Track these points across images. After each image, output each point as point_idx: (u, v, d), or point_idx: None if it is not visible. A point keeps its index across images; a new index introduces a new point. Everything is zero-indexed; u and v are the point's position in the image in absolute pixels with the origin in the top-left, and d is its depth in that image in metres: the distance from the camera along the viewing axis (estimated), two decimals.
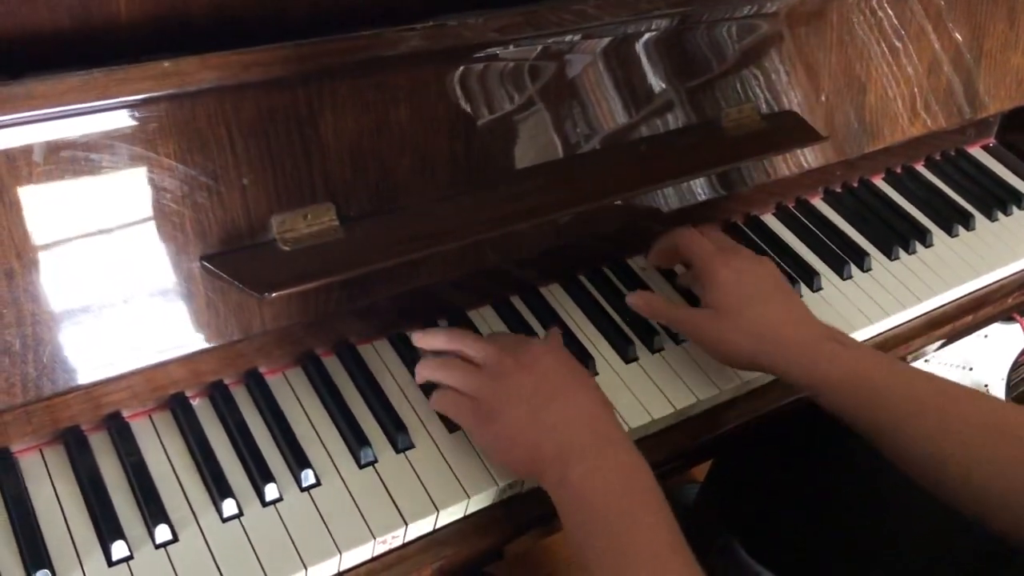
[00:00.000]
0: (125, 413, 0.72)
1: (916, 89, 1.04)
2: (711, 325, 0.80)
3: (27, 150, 0.60)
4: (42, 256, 0.62)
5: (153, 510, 0.66)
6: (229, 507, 0.67)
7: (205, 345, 0.68)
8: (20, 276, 0.61)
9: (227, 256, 0.67)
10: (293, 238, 0.69)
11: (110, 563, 0.64)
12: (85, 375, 0.64)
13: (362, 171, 0.72)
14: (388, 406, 0.76)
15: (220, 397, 0.74)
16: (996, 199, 1.13)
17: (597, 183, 0.82)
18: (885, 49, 1.00)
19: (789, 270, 0.96)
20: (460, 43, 0.73)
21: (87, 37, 0.63)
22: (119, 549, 0.64)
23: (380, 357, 0.81)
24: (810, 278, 0.96)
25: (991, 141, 1.23)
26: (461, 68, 0.75)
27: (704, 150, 0.88)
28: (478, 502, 0.72)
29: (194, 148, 0.65)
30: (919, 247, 1.03)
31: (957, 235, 1.07)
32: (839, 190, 1.10)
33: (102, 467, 0.69)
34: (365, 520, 0.69)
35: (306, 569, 0.65)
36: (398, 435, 0.74)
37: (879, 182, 1.13)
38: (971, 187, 1.14)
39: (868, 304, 0.95)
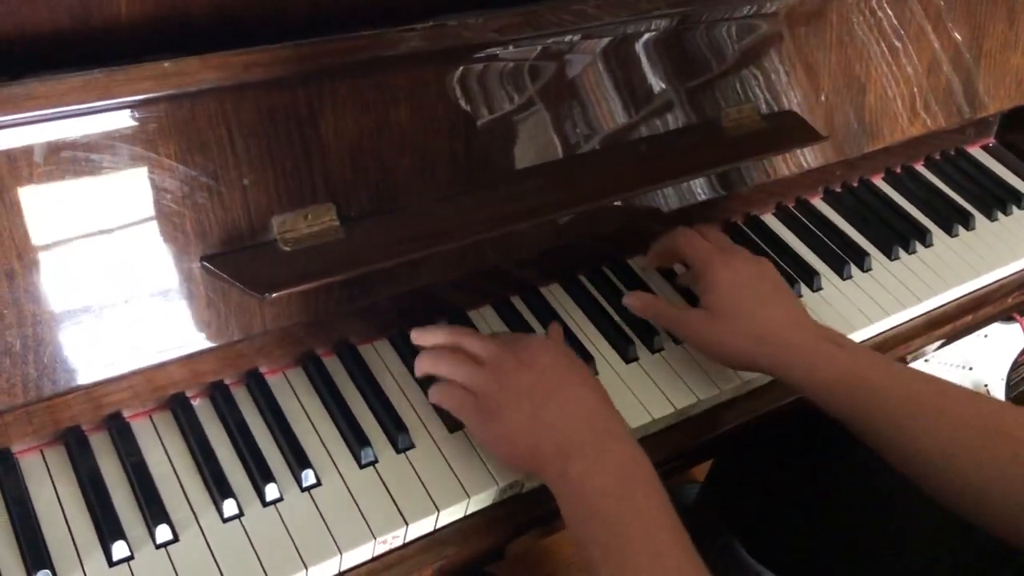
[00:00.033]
0: (126, 413, 0.72)
1: (916, 89, 1.04)
2: (708, 326, 0.80)
3: (28, 150, 0.60)
4: (43, 257, 0.62)
5: (154, 510, 0.66)
6: (230, 507, 0.67)
7: (205, 345, 0.68)
8: (21, 277, 0.61)
9: (228, 256, 0.67)
10: (294, 238, 0.69)
11: (111, 563, 0.64)
12: (86, 375, 0.65)
13: (362, 171, 0.72)
14: (388, 406, 0.76)
15: (221, 397, 0.74)
16: (996, 199, 1.13)
17: (597, 183, 0.82)
18: (885, 49, 1.00)
19: (789, 270, 0.96)
20: (460, 43, 0.73)
21: (87, 37, 0.63)
22: (120, 549, 0.64)
23: (380, 357, 0.81)
24: (810, 278, 0.96)
25: (991, 141, 1.23)
26: (461, 68, 0.75)
27: (704, 150, 0.88)
28: (478, 502, 0.72)
29: (194, 148, 0.65)
30: (919, 247, 1.03)
31: (957, 235, 1.07)
32: (839, 190, 1.10)
33: (103, 467, 0.69)
34: (366, 520, 0.69)
35: (307, 569, 0.65)
36: (398, 435, 0.74)
37: (879, 182, 1.13)
38: (971, 187, 1.14)
39: (868, 304, 0.95)
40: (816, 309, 0.93)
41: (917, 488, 0.72)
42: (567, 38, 0.79)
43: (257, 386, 0.76)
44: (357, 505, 0.70)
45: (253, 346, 0.75)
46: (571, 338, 0.85)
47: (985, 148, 1.22)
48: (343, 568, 0.68)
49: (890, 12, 0.99)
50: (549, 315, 0.87)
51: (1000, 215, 1.11)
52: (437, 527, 0.71)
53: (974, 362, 1.53)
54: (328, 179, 0.71)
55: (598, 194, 0.82)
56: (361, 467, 0.72)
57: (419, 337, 0.78)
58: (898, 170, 1.15)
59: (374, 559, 0.69)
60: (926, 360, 1.49)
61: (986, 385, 1.53)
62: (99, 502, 0.66)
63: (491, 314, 0.87)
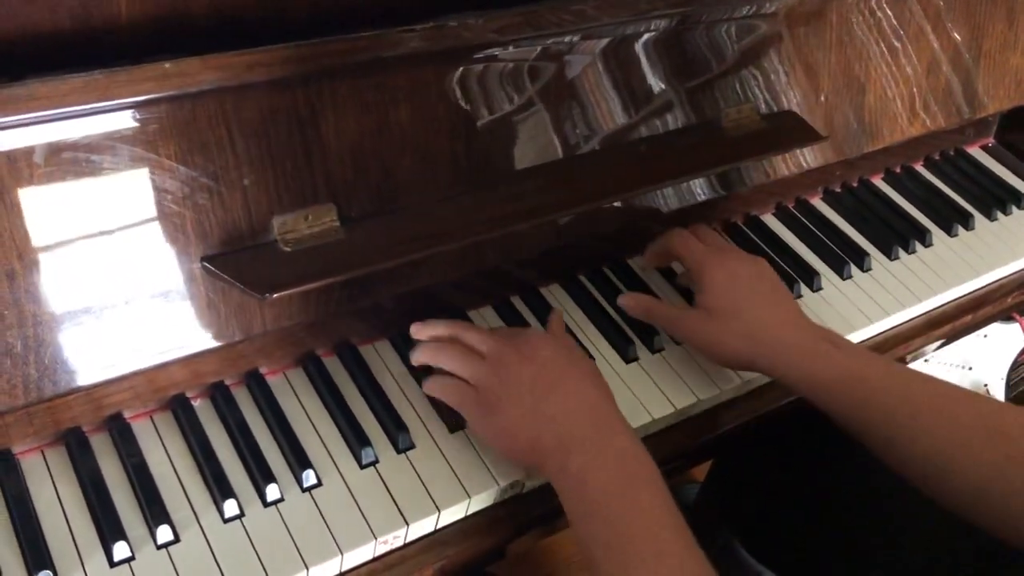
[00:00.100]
0: (126, 414, 0.72)
1: (915, 89, 1.04)
2: (704, 327, 0.80)
3: (28, 151, 0.60)
4: (43, 257, 0.62)
5: (155, 511, 0.66)
6: (230, 508, 0.67)
7: (206, 346, 0.69)
8: (22, 277, 0.61)
9: (228, 257, 0.67)
10: (294, 239, 0.69)
11: (112, 564, 0.64)
12: (86, 376, 0.65)
13: (363, 172, 0.72)
14: (389, 406, 0.76)
15: (221, 398, 0.74)
16: (995, 199, 1.13)
17: (597, 183, 0.82)
18: (884, 49, 1.00)
19: (789, 270, 0.96)
20: (460, 44, 0.73)
21: (88, 38, 0.63)
22: (121, 550, 0.64)
23: (381, 357, 0.81)
24: (810, 278, 0.96)
25: (990, 141, 1.24)
26: (461, 69, 0.75)
27: (704, 150, 0.88)
28: (479, 502, 0.72)
29: (195, 149, 0.65)
30: (919, 247, 1.03)
31: (956, 235, 1.07)
32: (839, 190, 1.10)
33: (104, 468, 0.69)
34: (366, 520, 0.69)
35: (307, 569, 0.66)
36: (399, 435, 0.74)
37: (878, 182, 1.13)
38: (970, 187, 1.14)
39: (868, 304, 0.95)
40: (816, 309, 0.93)
41: (916, 488, 0.72)
42: (567, 38, 0.79)
43: (258, 386, 0.76)
44: (358, 505, 0.70)
45: (254, 346, 0.75)
46: (571, 338, 0.84)
47: (984, 148, 1.22)
48: (344, 568, 0.68)
49: (889, 12, 0.99)
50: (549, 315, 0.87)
51: (999, 215, 1.11)
52: (438, 527, 0.71)
53: (974, 362, 1.54)
54: (329, 179, 0.71)
55: (598, 194, 0.82)
56: (362, 467, 0.72)
57: (419, 331, 0.78)
58: (898, 170, 1.15)
59: (375, 559, 0.69)
60: (926, 360, 1.49)
61: (986, 385, 1.53)
62: (100, 503, 0.66)
63: (491, 314, 0.87)
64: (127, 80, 0.60)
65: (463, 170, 0.77)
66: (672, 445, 0.81)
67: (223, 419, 0.74)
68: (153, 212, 0.65)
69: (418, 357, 0.76)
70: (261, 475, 0.69)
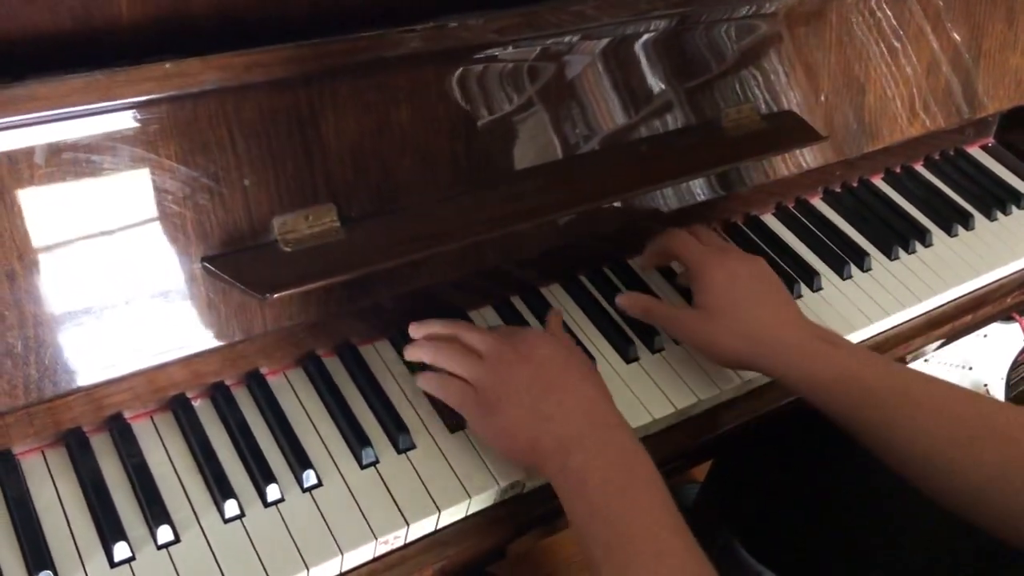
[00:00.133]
0: (127, 414, 0.72)
1: (915, 89, 1.04)
2: (702, 327, 0.80)
3: (29, 152, 0.60)
4: (44, 258, 0.62)
5: (155, 511, 0.66)
6: (231, 508, 0.67)
7: (206, 346, 0.69)
8: (22, 278, 0.61)
9: (228, 257, 0.67)
10: (295, 239, 0.69)
11: (112, 564, 0.64)
12: (87, 377, 0.65)
13: (363, 172, 0.72)
14: (389, 406, 0.76)
15: (221, 398, 0.75)
16: (995, 199, 1.13)
17: (597, 183, 0.82)
18: (884, 49, 1.00)
19: (789, 270, 0.96)
20: (460, 44, 0.73)
21: (89, 38, 0.63)
22: (121, 550, 0.64)
23: (381, 357, 0.81)
24: (810, 278, 0.96)
25: (990, 141, 1.24)
26: (461, 69, 0.75)
27: (703, 150, 0.88)
28: (479, 502, 0.72)
29: (196, 149, 0.65)
30: (919, 247, 1.03)
31: (956, 235, 1.07)
32: (839, 190, 1.10)
33: (104, 468, 0.69)
34: (367, 520, 0.69)
35: (308, 569, 0.66)
36: (399, 435, 0.74)
37: (878, 182, 1.13)
38: (970, 187, 1.14)
39: (868, 304, 0.95)
40: (816, 309, 0.93)
41: (916, 488, 0.72)
42: (567, 39, 0.79)
43: (258, 387, 0.76)
44: (358, 505, 0.70)
45: (254, 347, 0.75)
46: (571, 338, 0.84)
47: (984, 148, 1.22)
48: (344, 568, 0.68)
49: (889, 12, 0.99)
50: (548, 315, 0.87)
51: (999, 215, 1.11)
52: (438, 527, 0.71)
53: (974, 362, 1.54)
54: (329, 180, 0.71)
55: (598, 194, 0.82)
56: (362, 467, 0.72)
57: (417, 330, 0.78)
58: (898, 170, 1.15)
59: (375, 559, 0.69)
60: (926, 360, 1.49)
61: (986, 385, 1.53)
62: (100, 503, 0.66)
63: (491, 314, 0.87)
64: (128, 80, 0.60)
65: (463, 170, 0.77)
66: (672, 445, 0.81)
67: (223, 419, 0.74)
68: (154, 212, 0.65)
69: (413, 353, 0.76)
70: (261, 475, 0.69)
